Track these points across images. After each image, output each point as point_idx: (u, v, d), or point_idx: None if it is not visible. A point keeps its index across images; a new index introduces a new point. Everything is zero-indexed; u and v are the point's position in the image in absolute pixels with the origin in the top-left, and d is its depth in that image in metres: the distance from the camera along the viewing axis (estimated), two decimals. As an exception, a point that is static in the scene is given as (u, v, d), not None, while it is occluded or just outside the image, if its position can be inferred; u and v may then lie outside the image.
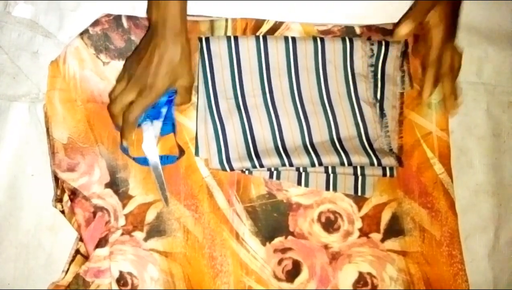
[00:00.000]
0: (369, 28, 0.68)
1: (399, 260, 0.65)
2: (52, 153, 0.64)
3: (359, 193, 0.65)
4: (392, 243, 0.65)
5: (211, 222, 0.64)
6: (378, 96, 0.67)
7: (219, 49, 0.66)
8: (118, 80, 0.62)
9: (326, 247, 0.65)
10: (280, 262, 0.64)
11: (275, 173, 0.65)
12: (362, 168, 0.65)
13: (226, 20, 0.67)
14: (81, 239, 0.63)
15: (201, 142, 0.65)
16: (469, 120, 0.68)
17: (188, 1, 0.68)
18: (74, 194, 0.64)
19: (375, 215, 0.65)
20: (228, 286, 0.63)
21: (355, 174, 0.65)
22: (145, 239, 0.64)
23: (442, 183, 0.66)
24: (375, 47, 0.67)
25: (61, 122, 0.65)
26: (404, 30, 0.59)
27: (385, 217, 0.65)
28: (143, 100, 0.58)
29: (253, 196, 0.65)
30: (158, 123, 0.62)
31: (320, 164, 0.63)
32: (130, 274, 0.63)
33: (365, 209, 0.66)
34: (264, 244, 0.64)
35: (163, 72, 0.58)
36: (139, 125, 0.62)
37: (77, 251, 0.64)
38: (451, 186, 0.66)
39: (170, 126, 0.64)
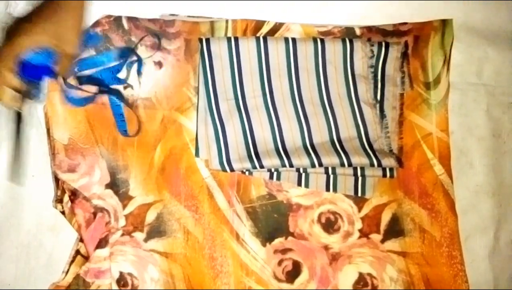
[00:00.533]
0: (369, 29, 0.68)
1: (399, 260, 0.65)
2: (53, 153, 0.65)
3: (359, 194, 0.66)
4: (392, 244, 0.65)
5: (212, 222, 0.65)
6: (378, 97, 0.67)
7: (219, 50, 0.66)
8: None
9: (326, 247, 0.65)
10: (280, 262, 0.64)
11: (275, 173, 0.65)
12: (362, 168, 0.65)
13: (227, 21, 0.67)
14: (81, 240, 0.64)
15: (202, 143, 0.65)
16: (469, 121, 0.68)
17: (189, 2, 0.68)
18: (74, 194, 0.64)
19: (375, 216, 0.65)
20: (228, 286, 0.63)
21: (355, 174, 0.65)
22: (145, 240, 0.64)
23: (442, 184, 0.66)
24: (375, 48, 0.67)
25: (62, 123, 0.65)
26: None
27: (385, 217, 0.65)
28: (12, 46, 0.55)
29: (253, 196, 0.65)
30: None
31: (320, 164, 0.63)
32: (130, 274, 0.63)
33: (365, 209, 0.66)
34: (264, 245, 0.65)
35: (47, 27, 0.55)
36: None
37: (78, 252, 0.64)
38: (451, 186, 0.66)
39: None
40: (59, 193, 0.64)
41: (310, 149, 0.64)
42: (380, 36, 0.68)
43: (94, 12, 0.67)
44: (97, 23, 0.67)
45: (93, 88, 0.65)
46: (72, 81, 0.65)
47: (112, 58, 0.66)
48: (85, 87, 0.64)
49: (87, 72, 0.66)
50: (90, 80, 0.65)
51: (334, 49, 0.66)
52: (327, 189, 0.66)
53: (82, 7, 0.58)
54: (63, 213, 0.64)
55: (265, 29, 0.68)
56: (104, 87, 0.65)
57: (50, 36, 0.56)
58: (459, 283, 0.64)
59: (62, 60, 0.58)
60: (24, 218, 0.65)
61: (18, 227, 0.65)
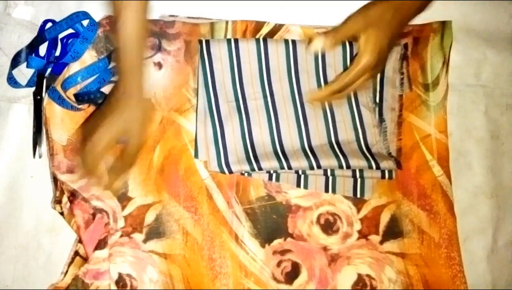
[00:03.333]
0: (368, 30, 0.68)
1: (398, 262, 0.65)
2: (51, 154, 0.64)
3: (358, 195, 0.66)
4: (391, 245, 0.65)
5: (211, 223, 0.65)
6: (377, 99, 0.67)
7: (219, 52, 0.66)
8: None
9: (325, 249, 0.65)
10: (279, 264, 0.64)
11: (274, 175, 0.65)
12: (361, 170, 0.65)
13: (226, 22, 0.68)
14: (80, 241, 0.63)
15: (201, 144, 0.65)
16: (468, 122, 0.68)
17: (189, 2, 0.68)
18: (73, 195, 0.64)
19: (374, 217, 0.66)
20: (227, 287, 0.63)
21: (354, 176, 0.65)
22: (144, 241, 0.64)
23: (441, 185, 0.66)
24: (374, 50, 0.67)
25: (60, 124, 0.65)
26: (318, 45, 0.58)
27: (384, 219, 0.66)
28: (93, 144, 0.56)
29: (252, 197, 0.65)
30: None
31: (319, 166, 0.63)
32: (129, 275, 0.63)
33: (364, 211, 0.66)
34: (263, 246, 0.65)
35: (119, 122, 0.56)
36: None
37: (76, 253, 0.64)
38: (449, 188, 0.66)
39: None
40: (58, 193, 0.64)
41: (309, 151, 0.64)
42: (379, 37, 0.68)
43: (93, 13, 0.67)
44: (98, 24, 0.67)
45: (85, 106, 0.65)
46: (72, 91, 0.65)
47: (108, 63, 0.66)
48: (80, 105, 0.65)
49: (89, 80, 0.66)
50: (86, 93, 0.66)
51: (333, 52, 0.66)
52: (326, 190, 0.66)
53: (148, 102, 0.60)
54: (62, 214, 0.64)
55: (264, 30, 0.68)
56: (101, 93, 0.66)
57: (122, 130, 0.56)
58: (457, 284, 0.64)
59: (128, 153, 0.57)
60: (23, 219, 0.65)
61: (16, 228, 0.65)
